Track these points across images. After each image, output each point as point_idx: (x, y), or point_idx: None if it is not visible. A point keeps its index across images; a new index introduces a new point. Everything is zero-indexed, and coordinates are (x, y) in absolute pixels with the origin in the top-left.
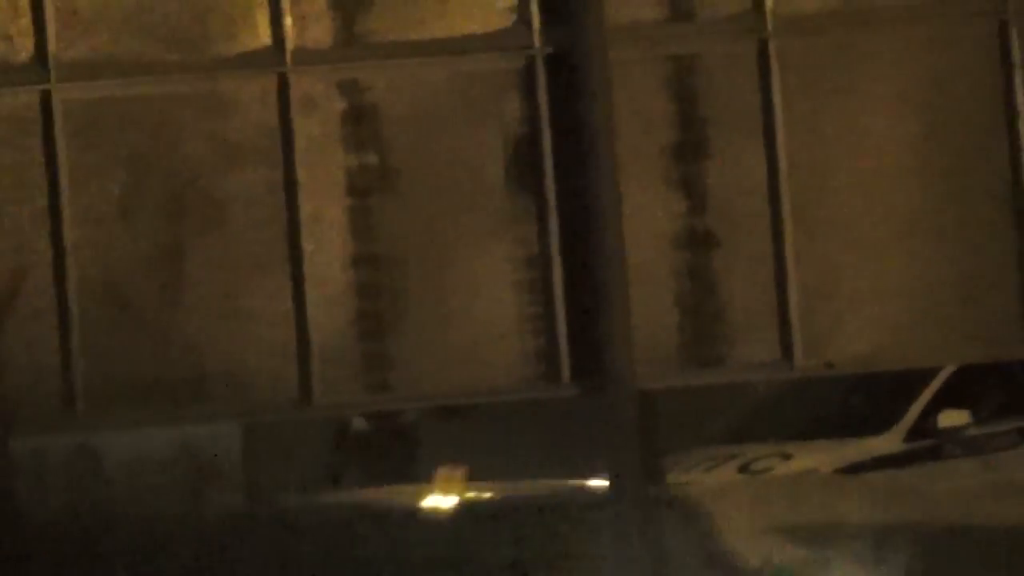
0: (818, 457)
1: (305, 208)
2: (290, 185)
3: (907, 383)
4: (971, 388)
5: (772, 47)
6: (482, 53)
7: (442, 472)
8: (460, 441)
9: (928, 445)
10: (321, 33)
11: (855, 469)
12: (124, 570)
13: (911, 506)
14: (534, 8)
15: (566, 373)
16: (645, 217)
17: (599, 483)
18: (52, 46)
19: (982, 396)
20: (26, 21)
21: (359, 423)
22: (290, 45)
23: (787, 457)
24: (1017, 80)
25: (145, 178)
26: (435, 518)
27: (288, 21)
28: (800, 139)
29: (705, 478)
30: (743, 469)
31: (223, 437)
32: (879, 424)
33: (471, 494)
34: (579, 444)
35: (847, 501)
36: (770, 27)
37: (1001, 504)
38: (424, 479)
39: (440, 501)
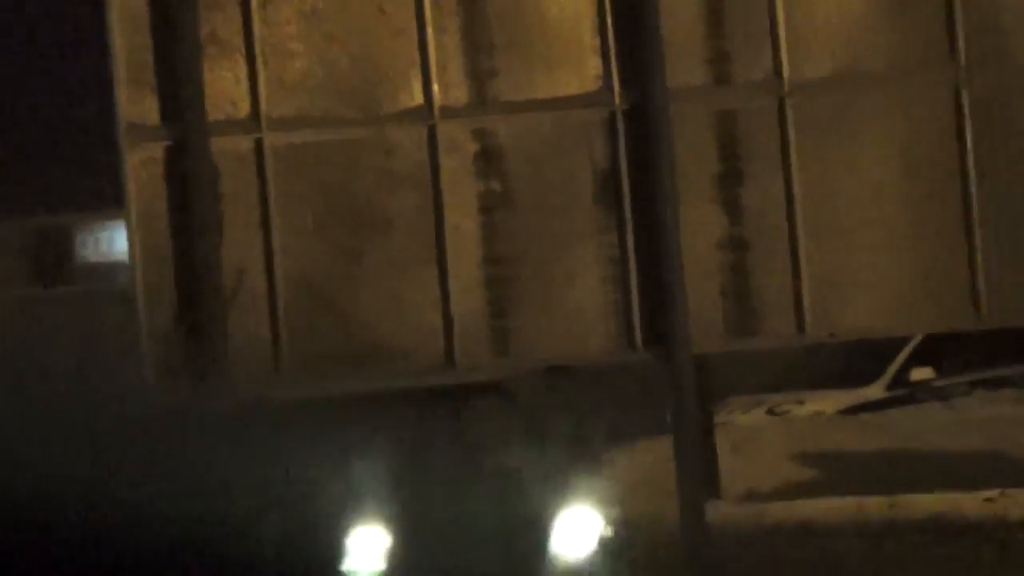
0: (824, 403)
1: (448, 222)
2: (437, 205)
3: (889, 347)
4: (935, 351)
5: (788, 104)
6: (578, 108)
7: None
8: (563, 395)
9: (904, 393)
10: (460, 95)
11: (851, 411)
12: None
13: (892, 438)
14: (615, 76)
15: (640, 343)
16: (697, 227)
17: None
18: (264, 106)
19: (944, 357)
20: (245, 88)
21: None
22: (437, 104)
23: (802, 403)
24: (967, 129)
25: (332, 201)
26: None
27: (435, 87)
28: (810, 170)
29: (742, 419)
30: (770, 412)
31: None
32: (869, 378)
33: None
34: (648, 396)
35: (845, 435)
36: (786, 89)
37: (958, 436)
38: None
39: None
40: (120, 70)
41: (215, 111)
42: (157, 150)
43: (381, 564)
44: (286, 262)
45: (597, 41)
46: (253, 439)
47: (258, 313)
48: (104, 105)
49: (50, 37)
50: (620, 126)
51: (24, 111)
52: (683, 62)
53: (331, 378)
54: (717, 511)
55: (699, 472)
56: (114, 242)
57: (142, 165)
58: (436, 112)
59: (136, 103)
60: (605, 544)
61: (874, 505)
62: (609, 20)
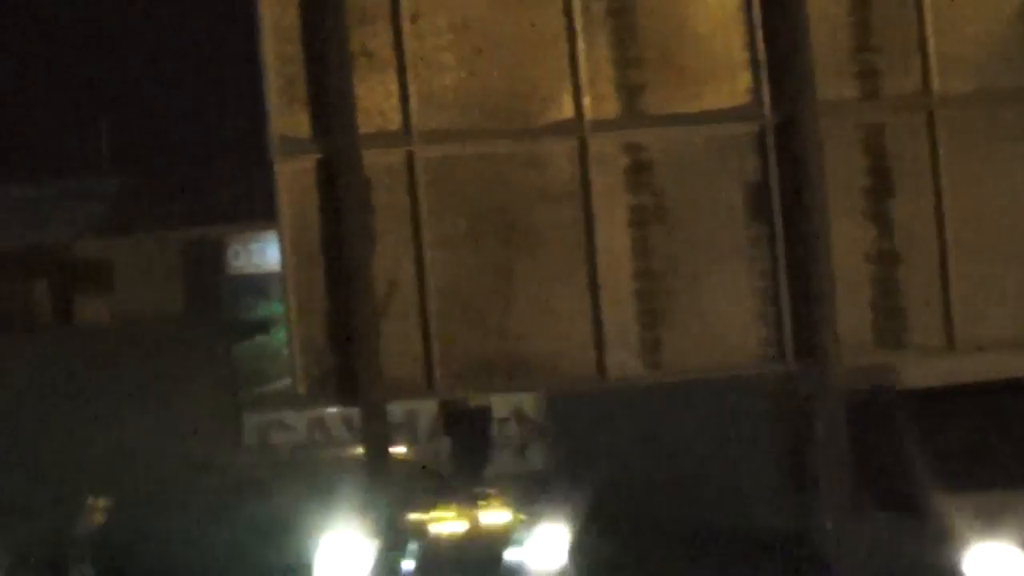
0: None
1: (599, 235)
2: (588, 218)
3: None
4: None
5: (937, 118)
6: (728, 122)
7: None
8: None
9: None
10: (610, 108)
11: None
12: None
13: None
14: (765, 90)
15: (790, 354)
16: (846, 240)
17: None
18: (414, 119)
19: None
20: (396, 101)
21: None
22: (588, 117)
23: None
24: None
25: (483, 213)
26: None
27: (587, 100)
28: (958, 183)
29: None
30: None
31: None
32: None
33: None
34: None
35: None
36: (935, 103)
37: None
38: None
39: None
40: (272, 83)
41: (366, 124)
42: (308, 163)
43: None
44: (437, 274)
45: (747, 55)
46: None
47: (409, 325)
48: (256, 119)
49: (204, 52)
50: (770, 139)
51: (177, 126)
52: (832, 76)
53: (482, 389)
54: None
55: (848, 483)
56: (266, 254)
57: (294, 177)
58: (587, 125)
59: (288, 116)
60: None
61: None
62: (759, 34)
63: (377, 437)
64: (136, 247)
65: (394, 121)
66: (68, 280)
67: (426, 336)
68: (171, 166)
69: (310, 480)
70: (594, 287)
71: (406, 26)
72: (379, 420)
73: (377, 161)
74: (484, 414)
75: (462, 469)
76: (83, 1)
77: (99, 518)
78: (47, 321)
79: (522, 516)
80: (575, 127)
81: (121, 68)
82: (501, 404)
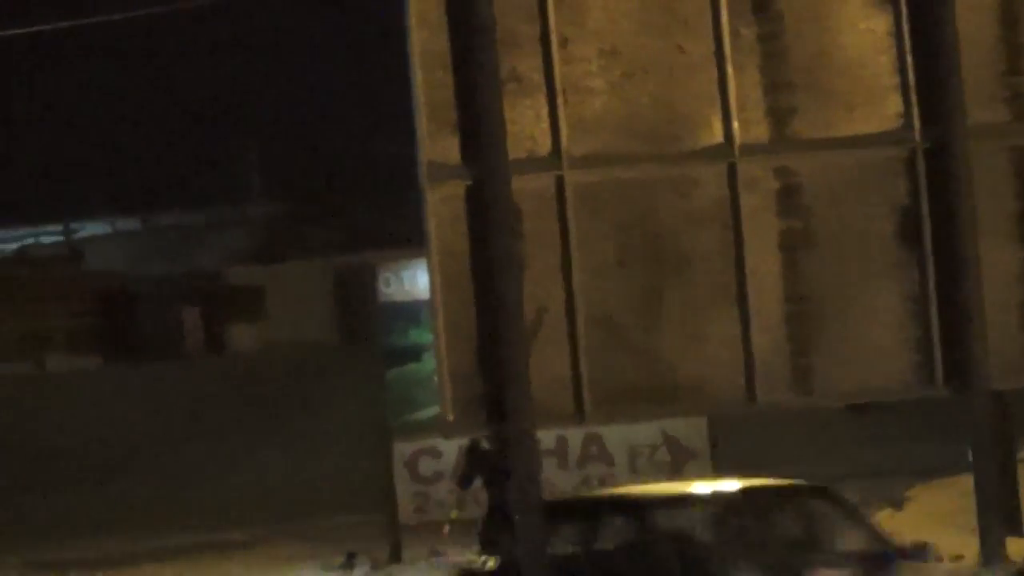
0: None
1: (748, 260)
2: (738, 243)
3: None
4: None
5: None
6: (878, 146)
7: None
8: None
9: None
10: (760, 133)
11: None
12: None
13: None
14: (915, 114)
15: (940, 379)
16: (995, 263)
17: None
18: (564, 143)
19: None
20: (546, 126)
21: None
22: (737, 141)
23: None
24: None
25: (632, 238)
26: None
27: (736, 124)
28: None
29: None
30: None
31: (693, 427)
32: None
33: None
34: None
35: None
36: None
37: None
38: None
39: None
40: (422, 110)
41: (515, 149)
42: (458, 188)
43: None
44: (587, 300)
45: (896, 79)
46: None
47: (558, 351)
48: (407, 146)
49: (354, 80)
50: (920, 164)
51: (328, 154)
52: (982, 100)
53: (631, 415)
54: (1019, 548)
55: (999, 508)
56: (417, 281)
57: (443, 203)
58: (736, 150)
59: (437, 142)
60: None
61: None
62: (908, 59)
63: (527, 464)
64: (287, 274)
65: (544, 146)
66: (220, 307)
67: (575, 362)
68: (322, 194)
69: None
70: (743, 311)
71: (556, 51)
72: (528, 447)
73: (526, 186)
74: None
75: None
76: (235, 32)
77: None
78: (199, 347)
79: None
80: (724, 151)
81: (273, 98)
82: (650, 430)
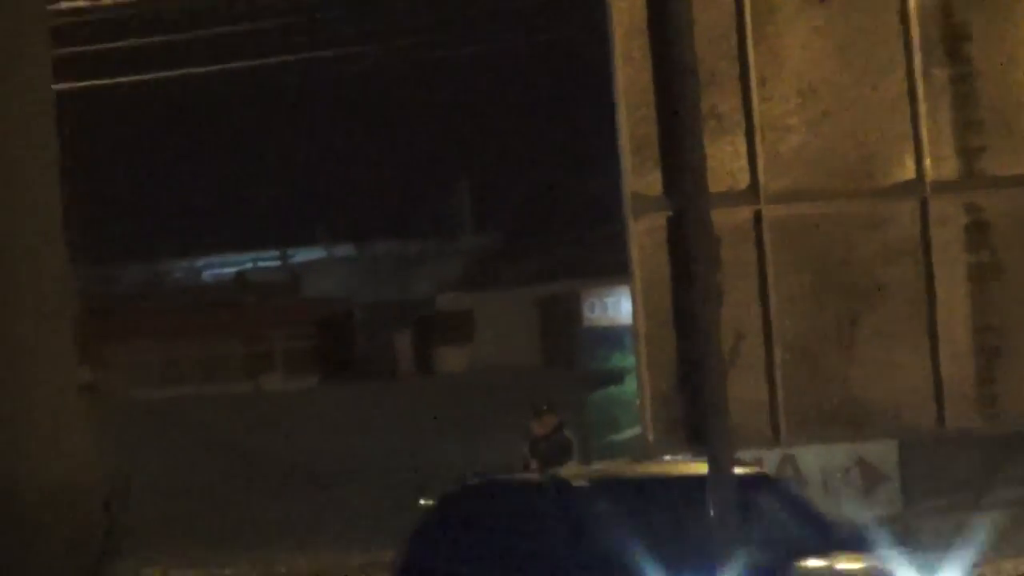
0: None
1: (939, 291)
2: (928, 275)
3: None
4: None
5: None
6: None
7: None
8: None
9: None
10: (949, 170)
11: None
12: None
13: None
14: None
15: None
16: None
17: None
18: (762, 179)
19: None
20: (744, 162)
21: None
22: (929, 178)
23: None
24: None
25: (826, 269)
26: None
27: (927, 162)
28: None
29: None
30: None
31: (884, 451)
32: None
33: None
34: None
35: None
36: None
37: None
38: None
39: None
40: (626, 144)
41: (715, 183)
42: (660, 219)
43: None
44: (782, 327)
45: None
46: None
47: (756, 376)
48: (610, 179)
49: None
50: None
51: (536, 187)
52: None
53: (824, 438)
54: None
55: None
56: (620, 307)
57: (646, 233)
58: (928, 186)
59: (641, 175)
60: None
61: None
62: None
63: (725, 486)
64: (495, 301)
65: (742, 181)
66: (430, 332)
67: (771, 386)
68: (529, 225)
69: None
70: (934, 340)
71: (755, 90)
72: (727, 468)
73: (725, 219)
74: None
75: None
76: (444, 68)
77: None
78: (410, 369)
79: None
80: (916, 187)
81: (485, 133)
82: (843, 453)
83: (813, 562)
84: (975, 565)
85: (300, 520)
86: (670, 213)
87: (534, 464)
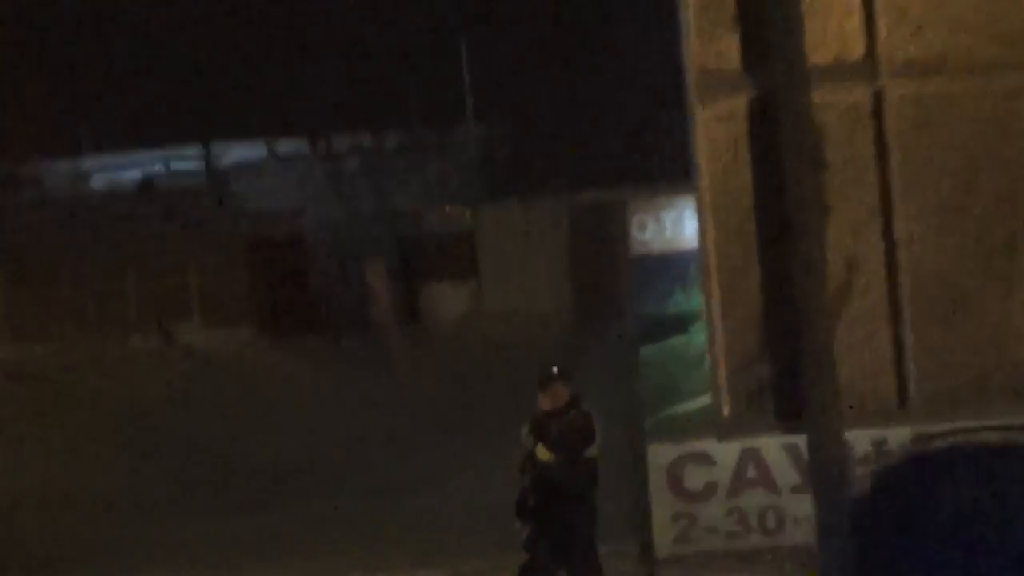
0: None
1: None
2: None
3: None
4: None
5: None
6: None
7: None
8: None
9: None
10: None
11: None
12: None
13: None
14: None
15: None
16: None
17: None
18: (882, 46)
19: None
20: (858, 21)
21: None
22: None
23: None
24: None
25: (976, 173)
26: None
27: None
28: None
29: None
30: None
31: None
32: None
33: None
34: None
35: None
36: None
37: None
38: None
39: None
40: (691, 3)
41: (816, 53)
42: (738, 104)
43: None
44: (914, 255)
45: None
46: None
47: (876, 324)
48: (670, 56)
49: None
50: None
51: (556, 58)
52: None
53: (973, 413)
54: None
55: None
56: (681, 225)
57: (718, 124)
58: None
59: (711, 45)
60: None
61: None
62: None
63: (832, 477)
64: (506, 218)
65: (856, 48)
66: (415, 262)
67: (898, 339)
68: (552, 112)
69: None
70: None
71: None
72: (836, 453)
73: (831, 102)
74: None
75: None
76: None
77: None
78: (386, 318)
79: None
80: None
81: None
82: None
83: None
84: None
85: (230, 540)
86: (753, 94)
87: (536, 446)
